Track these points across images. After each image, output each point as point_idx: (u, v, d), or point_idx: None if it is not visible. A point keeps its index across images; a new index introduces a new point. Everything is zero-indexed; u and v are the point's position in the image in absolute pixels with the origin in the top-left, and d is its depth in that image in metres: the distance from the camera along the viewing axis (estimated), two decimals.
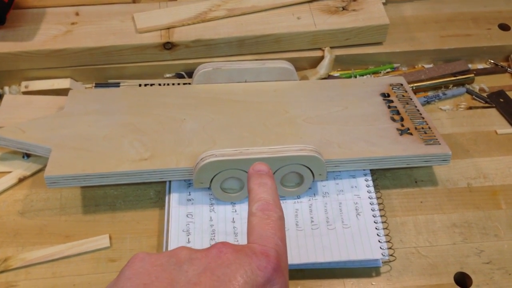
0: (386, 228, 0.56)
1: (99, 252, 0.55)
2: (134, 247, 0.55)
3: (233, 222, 0.55)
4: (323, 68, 0.72)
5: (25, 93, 0.69)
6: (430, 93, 0.73)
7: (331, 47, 0.74)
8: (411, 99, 0.66)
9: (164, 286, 0.30)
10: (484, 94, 0.73)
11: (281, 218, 0.36)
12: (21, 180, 0.60)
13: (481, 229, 0.58)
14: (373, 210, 0.56)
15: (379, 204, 0.57)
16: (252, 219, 0.35)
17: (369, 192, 0.58)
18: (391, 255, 0.54)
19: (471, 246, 0.56)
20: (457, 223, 0.58)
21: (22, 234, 0.56)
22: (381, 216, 0.56)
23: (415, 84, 0.73)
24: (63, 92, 0.69)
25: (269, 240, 0.33)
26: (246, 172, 0.54)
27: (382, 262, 0.54)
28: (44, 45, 0.69)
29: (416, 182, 0.62)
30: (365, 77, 0.75)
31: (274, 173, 0.54)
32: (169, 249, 0.52)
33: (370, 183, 0.59)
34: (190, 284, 0.30)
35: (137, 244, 0.55)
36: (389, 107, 0.64)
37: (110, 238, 0.56)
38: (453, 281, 0.53)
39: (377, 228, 0.55)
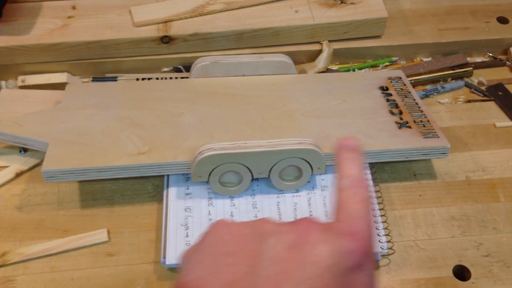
0: (385, 222, 0.56)
1: (97, 247, 0.55)
2: (132, 242, 0.55)
3: (232, 216, 0.55)
4: (321, 61, 0.72)
5: (21, 87, 0.69)
6: (428, 87, 0.73)
7: (329, 41, 0.73)
8: (409, 92, 0.65)
9: (249, 258, 0.29)
10: (483, 88, 0.73)
11: (370, 199, 0.34)
12: (18, 175, 0.60)
13: (480, 222, 0.58)
14: (371, 203, 0.56)
15: (377, 197, 0.57)
16: (341, 195, 0.34)
17: (368, 185, 0.58)
18: (390, 248, 0.54)
19: (469, 239, 0.56)
20: (455, 216, 0.58)
21: (19, 228, 0.56)
22: (379, 209, 0.56)
23: (414, 78, 0.73)
24: (60, 86, 0.69)
25: (358, 221, 0.32)
26: (245, 165, 0.54)
27: (381, 255, 0.54)
28: (40, 39, 0.68)
29: (415, 175, 0.61)
30: (363, 70, 0.75)
31: (272, 167, 0.54)
32: (168, 244, 0.52)
33: (369, 176, 0.59)
34: (277, 259, 0.29)
35: (135, 239, 0.55)
36: (387, 100, 0.64)
37: (108, 232, 0.55)
38: (451, 274, 0.53)
39: (376, 221, 0.55)
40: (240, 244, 0.30)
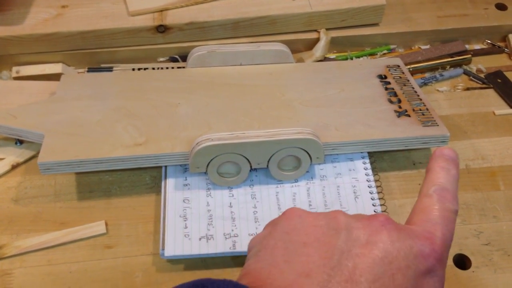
0: (384, 211, 0.55)
1: (95, 239, 0.54)
2: (130, 233, 0.55)
3: (231, 206, 0.54)
4: (319, 50, 0.71)
5: (16, 78, 0.68)
6: (427, 75, 0.73)
7: (327, 29, 0.72)
8: (408, 80, 0.65)
9: (324, 250, 0.29)
10: (482, 75, 0.72)
11: (456, 213, 0.33)
12: (14, 167, 0.59)
13: (480, 210, 0.57)
14: (371, 193, 0.56)
15: (377, 187, 0.57)
16: (425, 200, 0.33)
17: (367, 175, 0.57)
18: None
19: (469, 228, 0.56)
20: None
21: (16, 221, 0.55)
22: (379, 199, 0.56)
23: (412, 66, 0.72)
24: (55, 77, 0.68)
25: (437, 227, 0.31)
26: (243, 156, 0.53)
27: None
28: (34, 29, 0.67)
29: (414, 164, 0.61)
30: (361, 59, 0.74)
31: (271, 157, 0.54)
32: (166, 236, 0.51)
33: (368, 165, 0.58)
34: (351, 254, 0.29)
35: (133, 230, 0.55)
36: (386, 89, 0.63)
37: (106, 224, 0.55)
38: (452, 263, 0.53)
39: (375, 211, 0.54)
40: (316, 235, 0.30)
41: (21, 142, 0.61)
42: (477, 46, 0.77)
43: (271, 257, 0.30)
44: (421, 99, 0.62)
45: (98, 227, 0.54)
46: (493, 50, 0.76)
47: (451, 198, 0.33)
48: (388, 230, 0.30)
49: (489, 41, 0.77)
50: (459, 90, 0.71)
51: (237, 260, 0.53)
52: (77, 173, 0.59)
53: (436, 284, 0.30)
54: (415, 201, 0.34)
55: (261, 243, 0.31)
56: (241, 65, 0.66)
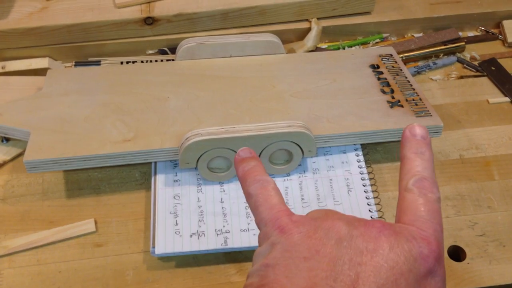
0: (378, 204, 0.55)
1: (84, 237, 0.53)
2: (120, 231, 0.54)
3: (222, 202, 0.53)
4: (310, 40, 0.70)
5: (2, 74, 0.67)
6: (420, 63, 0.72)
7: (318, 18, 0.71)
8: (401, 70, 0.64)
9: (325, 262, 0.29)
10: (476, 63, 0.72)
11: (439, 200, 0.32)
12: (0, 166, 0.58)
13: (474, 201, 0.57)
14: (364, 185, 0.55)
15: (370, 179, 0.56)
16: (407, 196, 0.32)
17: (360, 167, 0.57)
18: None
19: (464, 219, 0.55)
20: (449, 196, 0.57)
21: (3, 221, 0.54)
22: (372, 191, 0.55)
23: (405, 54, 0.71)
24: (41, 72, 0.66)
25: (427, 224, 0.31)
26: (233, 151, 0.52)
27: None
28: (19, 23, 0.66)
29: None
30: (353, 48, 0.73)
31: (261, 151, 0.53)
32: (157, 234, 0.51)
33: (361, 158, 0.57)
34: (352, 263, 0.28)
35: (124, 228, 0.54)
36: (378, 78, 0.62)
37: (96, 222, 0.54)
38: (446, 255, 0.53)
39: (369, 204, 0.54)
40: (316, 248, 0.30)
41: (7, 139, 0.60)
42: (471, 33, 0.76)
43: (273, 275, 0.30)
44: (414, 89, 0.61)
45: (88, 226, 0.54)
46: (487, 37, 0.75)
47: (431, 186, 0.33)
48: (386, 235, 0.30)
49: (483, 28, 0.76)
50: (452, 79, 0.70)
51: (229, 256, 0.52)
52: (65, 171, 0.58)
53: (438, 284, 0.30)
54: (398, 196, 0.34)
55: (262, 263, 0.31)
56: (231, 56, 0.65)
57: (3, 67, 0.67)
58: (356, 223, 0.31)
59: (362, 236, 0.30)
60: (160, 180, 0.55)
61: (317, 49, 0.71)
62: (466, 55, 0.73)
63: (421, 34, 0.75)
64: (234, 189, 0.54)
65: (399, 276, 0.28)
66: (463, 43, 0.73)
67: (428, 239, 0.30)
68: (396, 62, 0.65)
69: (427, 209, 0.31)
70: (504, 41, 0.74)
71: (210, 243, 0.50)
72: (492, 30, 0.76)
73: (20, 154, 0.59)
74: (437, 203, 0.32)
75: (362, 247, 0.29)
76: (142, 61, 0.68)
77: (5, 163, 0.59)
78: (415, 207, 0.32)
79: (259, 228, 0.34)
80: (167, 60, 0.67)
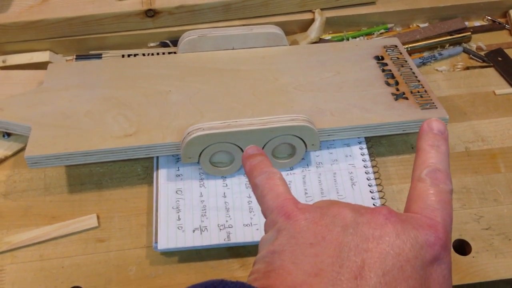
0: (382, 198, 0.54)
1: (87, 233, 0.53)
2: (123, 226, 0.53)
3: (224, 197, 0.53)
4: (313, 31, 0.69)
5: (2, 68, 0.66)
6: (425, 54, 0.71)
7: (322, 9, 0.70)
8: (406, 61, 0.63)
9: (331, 249, 0.29)
10: (482, 53, 0.70)
11: (451, 192, 0.33)
12: (2, 161, 0.58)
13: (480, 194, 0.56)
14: (368, 179, 0.55)
15: (374, 172, 0.56)
16: (419, 186, 0.32)
17: (364, 160, 0.56)
18: None
19: (469, 212, 0.55)
20: (455, 189, 0.56)
21: (6, 216, 0.54)
22: (377, 185, 0.54)
23: (410, 45, 0.70)
24: (43, 65, 0.66)
25: (436, 213, 0.31)
26: (236, 145, 0.52)
27: None
28: (19, 17, 0.65)
29: (412, 148, 0.60)
30: (357, 39, 0.72)
31: (264, 145, 0.52)
32: (159, 229, 0.50)
33: (365, 151, 0.57)
34: (358, 249, 0.28)
35: (126, 223, 0.54)
36: (383, 70, 0.62)
37: (98, 217, 0.54)
38: (452, 249, 0.52)
39: (373, 198, 0.53)
40: (322, 235, 0.30)
41: (8, 134, 0.60)
42: (477, 23, 0.75)
43: (279, 261, 0.30)
44: (419, 81, 0.60)
45: (90, 221, 0.53)
46: (493, 26, 0.74)
47: (444, 178, 0.33)
48: (392, 223, 0.30)
49: (489, 18, 0.75)
50: (458, 69, 0.69)
51: (232, 251, 0.52)
52: (67, 166, 0.57)
53: (444, 272, 0.30)
54: (410, 186, 0.34)
55: (268, 249, 0.31)
56: (233, 49, 0.64)
57: (4, 61, 0.67)
58: (362, 210, 0.31)
59: (368, 223, 0.30)
60: (162, 175, 0.54)
61: (320, 40, 0.70)
62: (472, 45, 0.72)
63: (426, 24, 0.74)
64: (236, 184, 0.54)
65: (405, 263, 0.28)
66: (469, 33, 0.72)
67: (435, 226, 0.30)
68: (401, 53, 0.64)
69: (438, 199, 0.31)
70: (511, 31, 0.73)
71: (213, 238, 0.50)
72: (499, 19, 0.75)
73: (22, 149, 0.59)
74: (449, 194, 0.32)
75: (368, 234, 0.29)
76: (143, 54, 0.67)
77: (6, 158, 0.58)
78: (425, 196, 0.32)
79: (265, 216, 0.34)
80: (169, 53, 0.67)
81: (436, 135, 0.34)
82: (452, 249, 0.52)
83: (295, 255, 0.29)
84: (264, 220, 0.49)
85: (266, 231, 0.33)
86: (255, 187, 0.35)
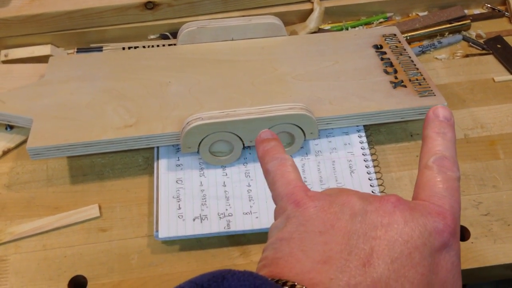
0: (381, 185, 0.54)
1: (89, 223, 0.54)
2: (124, 216, 0.54)
3: (224, 186, 0.54)
4: (312, 21, 0.70)
5: (4, 62, 0.67)
6: (425, 42, 0.71)
7: None
8: (404, 49, 0.63)
9: (340, 236, 0.29)
10: (481, 41, 0.70)
11: (459, 179, 0.33)
12: (5, 153, 0.59)
13: (479, 180, 0.56)
14: (367, 167, 0.55)
15: (373, 160, 0.56)
16: (427, 173, 0.32)
17: (362, 148, 0.56)
18: None
19: (468, 199, 0.55)
20: None
21: (9, 207, 0.55)
22: (375, 172, 0.55)
23: (410, 34, 0.71)
24: (44, 59, 0.67)
25: (444, 200, 0.31)
26: (235, 134, 0.52)
27: None
28: (20, 11, 0.66)
29: (411, 135, 0.60)
30: (357, 28, 0.72)
31: None
32: (160, 218, 0.51)
33: (364, 139, 0.57)
34: (367, 237, 0.29)
35: (128, 213, 0.54)
36: (382, 59, 0.62)
37: (100, 207, 0.54)
38: None
39: (372, 185, 0.53)
40: (331, 223, 0.30)
41: (11, 127, 0.60)
42: (477, 11, 0.75)
43: (288, 248, 0.30)
44: (417, 69, 0.60)
45: (92, 211, 0.54)
46: (493, 14, 0.74)
47: (451, 165, 0.33)
48: (401, 210, 0.30)
49: (489, 5, 0.75)
50: (458, 57, 0.69)
51: (233, 239, 0.52)
52: (69, 157, 0.58)
53: (453, 259, 0.30)
54: (417, 174, 0.34)
55: (277, 236, 0.31)
56: (232, 40, 0.65)
57: (6, 55, 0.67)
58: (371, 199, 0.31)
59: (377, 211, 0.30)
60: (162, 165, 0.55)
61: (320, 30, 0.70)
62: (472, 33, 0.72)
63: (426, 13, 0.74)
64: (236, 173, 0.55)
65: (413, 250, 0.28)
66: (469, 21, 0.72)
67: (443, 214, 0.30)
68: (399, 41, 0.64)
69: (446, 186, 0.32)
70: (510, 18, 0.73)
71: (213, 226, 0.51)
72: (499, 7, 0.75)
73: (24, 141, 0.59)
74: (457, 181, 0.32)
75: (377, 221, 0.29)
76: (143, 46, 0.68)
77: (9, 150, 0.59)
78: (433, 183, 0.32)
79: (275, 203, 0.34)
80: (169, 45, 0.67)
81: (442, 122, 0.34)
82: None
83: (304, 242, 0.30)
84: (263, 208, 0.50)
85: (275, 217, 0.33)
86: (266, 173, 0.35)
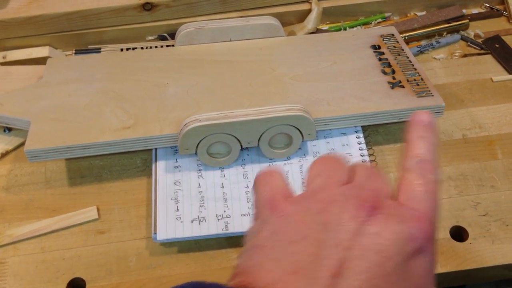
0: None
1: (87, 225, 0.54)
2: (123, 218, 0.54)
3: (222, 187, 0.54)
4: (310, 22, 0.70)
5: (3, 64, 0.67)
6: (423, 42, 0.71)
7: None
8: (402, 49, 0.63)
9: (312, 246, 0.29)
10: (479, 40, 0.70)
11: (438, 182, 0.32)
12: (3, 155, 0.59)
13: (477, 180, 0.56)
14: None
15: (371, 161, 0.56)
16: (406, 176, 0.32)
17: (360, 149, 0.56)
18: None
19: (467, 199, 0.55)
20: (452, 176, 0.57)
21: (8, 210, 0.55)
22: None
23: (408, 34, 0.71)
24: (42, 61, 0.67)
25: (422, 203, 0.31)
26: (233, 135, 0.52)
27: None
28: (18, 13, 0.66)
29: None
30: (355, 29, 0.72)
31: (261, 135, 0.53)
32: (158, 220, 0.51)
33: (362, 140, 0.57)
34: (340, 247, 0.28)
35: (126, 215, 0.54)
36: (380, 59, 0.62)
37: (98, 209, 0.54)
38: (449, 236, 0.52)
39: None
40: (303, 232, 0.29)
41: (9, 129, 0.60)
42: (475, 10, 0.75)
43: (260, 257, 0.30)
44: (415, 69, 0.60)
45: (90, 213, 0.54)
46: (491, 13, 0.74)
47: (431, 168, 0.33)
48: (376, 218, 0.29)
49: (487, 5, 0.75)
50: (456, 57, 0.69)
51: (231, 240, 0.52)
52: (67, 159, 0.58)
53: (426, 264, 0.30)
54: (398, 176, 0.34)
55: (251, 243, 0.31)
56: (230, 41, 0.65)
57: (4, 57, 0.67)
58: (347, 203, 0.30)
59: (352, 220, 0.29)
60: (160, 167, 0.55)
61: (318, 30, 0.70)
62: (470, 32, 0.72)
63: (424, 13, 0.74)
64: (234, 174, 0.55)
65: (386, 260, 0.28)
66: (467, 20, 0.72)
67: (420, 218, 0.30)
68: (397, 42, 0.64)
69: (425, 189, 0.31)
70: (508, 18, 0.73)
71: (211, 228, 0.51)
72: (497, 6, 0.75)
73: (23, 144, 0.59)
74: (435, 184, 0.32)
75: (351, 231, 0.29)
76: (142, 48, 0.68)
77: (7, 152, 0.59)
78: (412, 187, 0.32)
79: (255, 208, 0.34)
80: (167, 46, 0.67)
81: (424, 126, 0.34)
82: (449, 236, 0.52)
83: (275, 251, 0.29)
84: None
85: (253, 221, 0.33)
86: (254, 183, 0.35)
